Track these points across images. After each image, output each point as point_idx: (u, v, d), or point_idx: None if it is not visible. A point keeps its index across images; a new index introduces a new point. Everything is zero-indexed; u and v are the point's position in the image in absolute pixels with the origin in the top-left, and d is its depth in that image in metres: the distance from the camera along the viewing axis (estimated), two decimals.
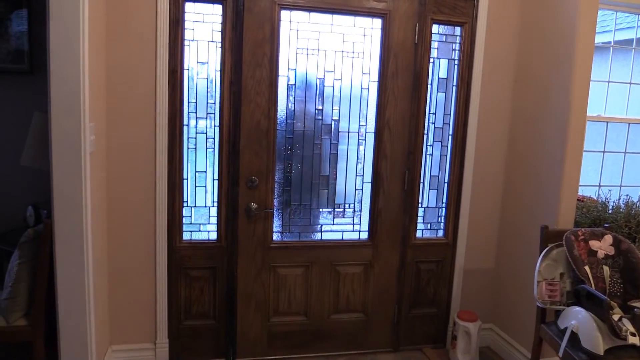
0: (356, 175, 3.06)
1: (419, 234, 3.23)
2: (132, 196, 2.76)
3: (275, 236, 2.99)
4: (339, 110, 2.97)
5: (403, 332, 3.27)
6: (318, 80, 2.92)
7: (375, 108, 3.00)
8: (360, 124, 3.01)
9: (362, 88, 2.99)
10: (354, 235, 3.11)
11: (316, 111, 2.94)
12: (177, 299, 2.92)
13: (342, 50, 2.92)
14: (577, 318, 2.34)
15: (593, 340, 2.24)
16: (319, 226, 3.06)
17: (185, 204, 2.87)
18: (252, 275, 2.96)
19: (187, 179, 2.86)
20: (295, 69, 2.87)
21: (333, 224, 3.07)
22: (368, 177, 3.07)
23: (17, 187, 3.07)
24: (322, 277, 3.07)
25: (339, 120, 2.98)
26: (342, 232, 3.09)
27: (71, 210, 2.19)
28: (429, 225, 3.27)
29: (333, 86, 2.94)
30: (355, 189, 3.08)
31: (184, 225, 2.89)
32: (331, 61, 2.91)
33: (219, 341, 3.00)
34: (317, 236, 3.06)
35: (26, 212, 2.84)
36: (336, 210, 3.07)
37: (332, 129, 2.98)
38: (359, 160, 3.05)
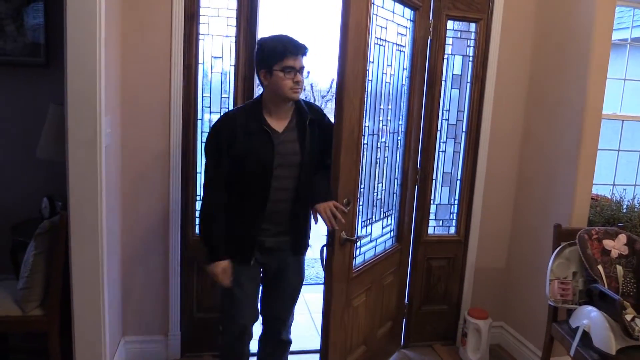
0: None
1: (430, 230, 3.22)
2: (145, 189, 2.78)
3: None
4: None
5: (413, 329, 3.27)
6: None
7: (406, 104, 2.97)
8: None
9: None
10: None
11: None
12: (189, 292, 2.94)
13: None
14: (589, 317, 2.33)
15: (605, 340, 2.23)
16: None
17: (198, 198, 2.89)
18: None
19: (200, 172, 2.87)
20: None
21: None
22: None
23: (32, 179, 3.10)
24: (383, 299, 3.06)
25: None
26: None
27: (86, 202, 2.21)
28: (440, 222, 3.26)
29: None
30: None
31: (197, 219, 2.90)
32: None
33: None
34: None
35: (41, 203, 2.87)
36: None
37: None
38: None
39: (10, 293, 2.45)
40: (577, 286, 2.50)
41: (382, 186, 2.79)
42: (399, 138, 2.92)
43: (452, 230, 3.28)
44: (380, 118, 2.69)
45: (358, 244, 2.48)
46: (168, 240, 2.84)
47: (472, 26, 3.09)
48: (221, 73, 2.81)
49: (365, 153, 2.47)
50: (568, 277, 2.52)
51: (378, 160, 2.70)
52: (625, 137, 4.44)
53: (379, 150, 2.69)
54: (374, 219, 2.74)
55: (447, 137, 3.17)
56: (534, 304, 3.02)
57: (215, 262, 2.16)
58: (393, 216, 2.98)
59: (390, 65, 2.68)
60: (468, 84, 3.13)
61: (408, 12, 2.79)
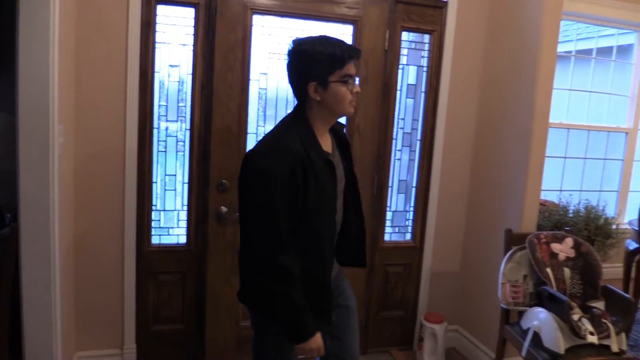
0: None
1: (387, 237, 3.28)
2: (100, 200, 2.72)
3: None
4: None
5: (371, 335, 3.31)
6: (289, 84, 2.93)
7: None
8: None
9: None
10: None
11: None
12: (145, 304, 2.89)
13: None
14: (539, 318, 2.43)
15: (554, 340, 2.33)
16: None
17: (154, 208, 2.85)
18: (222, 279, 2.95)
19: (156, 182, 2.84)
20: (267, 73, 2.88)
21: None
22: None
23: None
24: None
25: None
26: None
27: (38, 214, 2.15)
28: (397, 228, 3.33)
29: None
30: None
31: (152, 229, 2.86)
32: None
33: (187, 346, 2.99)
34: None
35: None
36: None
37: None
38: None
39: None
40: (527, 289, 2.60)
41: None
42: None
43: (408, 236, 3.34)
44: None
45: None
46: (123, 251, 2.78)
47: (426, 37, 3.17)
48: (178, 82, 2.79)
49: None
50: (519, 280, 2.61)
51: None
52: (571, 145, 4.64)
53: None
54: None
55: (402, 145, 3.24)
56: (487, 307, 3.11)
57: (310, 338, 1.71)
58: None
59: None
60: (422, 94, 3.21)
61: (348, 27, 2.94)
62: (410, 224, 3.33)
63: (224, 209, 2.87)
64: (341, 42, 1.73)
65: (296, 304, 1.67)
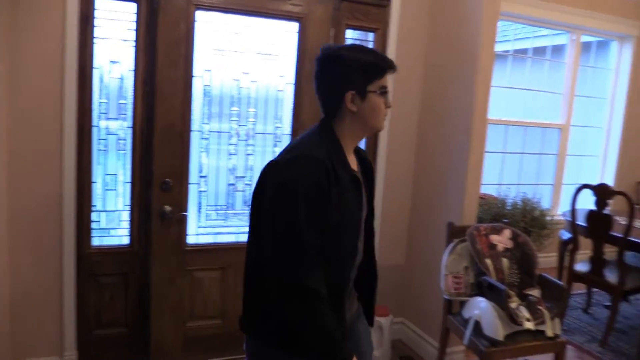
0: None
1: None
2: (36, 201, 2.61)
3: (190, 239, 2.94)
4: (256, 111, 2.99)
5: None
6: (234, 81, 2.91)
7: (292, 110, 3.04)
8: (276, 125, 3.05)
9: (278, 90, 3.02)
10: None
11: (232, 112, 2.94)
12: (86, 308, 2.80)
13: (258, 52, 2.93)
14: (480, 307, 2.52)
15: (493, 328, 2.42)
16: (235, 228, 3.05)
17: (94, 208, 2.76)
18: (166, 279, 2.89)
19: (96, 182, 2.75)
20: (211, 70, 2.85)
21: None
22: None
23: None
24: (239, 279, 3.05)
25: (255, 122, 2.99)
26: None
27: None
28: None
29: (249, 87, 2.95)
30: None
31: (93, 230, 2.78)
32: (248, 63, 2.92)
33: (132, 350, 2.91)
34: (233, 238, 3.05)
35: None
36: None
37: (248, 131, 2.99)
38: None
39: None
40: (468, 279, 2.69)
41: (244, 181, 3.03)
42: (279, 140, 3.07)
43: None
44: (235, 119, 2.96)
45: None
46: (62, 253, 2.68)
47: (370, 35, 3.22)
48: (120, 78, 2.71)
49: (210, 148, 2.92)
50: (460, 271, 2.69)
51: (231, 156, 2.98)
52: (509, 141, 4.83)
53: (235, 147, 2.98)
54: (233, 209, 3.04)
55: None
56: (431, 298, 3.19)
57: None
58: None
59: (248, 73, 2.93)
60: None
61: (293, 24, 2.97)
62: None
63: (168, 208, 2.81)
64: (377, 51, 1.63)
65: (329, 330, 1.46)
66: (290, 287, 1.45)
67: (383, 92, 1.58)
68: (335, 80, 1.58)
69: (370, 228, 1.77)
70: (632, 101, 5.43)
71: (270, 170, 1.55)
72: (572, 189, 3.96)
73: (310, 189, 1.45)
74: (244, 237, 3.05)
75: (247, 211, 3.02)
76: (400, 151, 3.35)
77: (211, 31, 2.82)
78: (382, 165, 3.29)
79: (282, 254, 1.47)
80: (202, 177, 2.92)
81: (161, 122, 2.75)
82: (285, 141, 3.06)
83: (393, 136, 3.30)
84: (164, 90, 2.74)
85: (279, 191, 1.47)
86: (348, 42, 3.14)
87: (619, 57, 5.43)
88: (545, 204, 4.54)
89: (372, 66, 1.55)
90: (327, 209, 1.48)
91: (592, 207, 3.73)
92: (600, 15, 5.00)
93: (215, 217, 3.00)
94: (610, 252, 3.77)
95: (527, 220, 3.24)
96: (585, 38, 5.33)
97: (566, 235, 4.08)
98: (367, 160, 1.75)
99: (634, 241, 3.55)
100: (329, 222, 1.49)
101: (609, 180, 5.41)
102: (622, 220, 3.62)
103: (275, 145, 3.05)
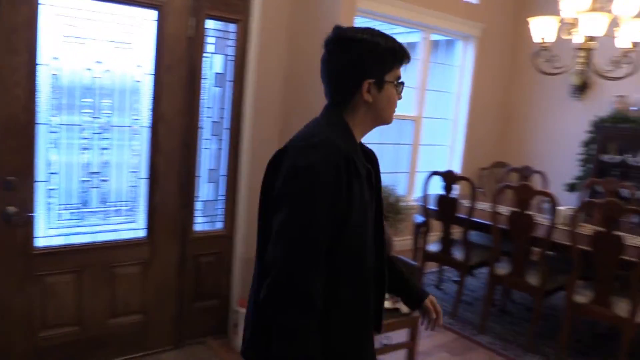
0: (130, 172, 2.95)
1: (198, 227, 3.25)
2: None
3: (40, 242, 2.70)
4: (111, 103, 2.81)
5: (186, 327, 3.27)
6: (87, 71, 2.71)
7: (151, 102, 2.92)
8: (134, 118, 2.90)
9: (135, 80, 2.87)
10: (130, 234, 3.00)
11: (84, 104, 2.74)
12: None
13: (113, 40, 2.76)
14: None
15: None
16: (91, 227, 2.87)
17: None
18: (13, 287, 2.63)
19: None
20: (59, 58, 2.62)
21: (106, 224, 2.91)
22: (143, 172, 2.97)
23: None
24: (96, 281, 2.89)
25: (111, 114, 2.82)
26: (118, 231, 2.95)
27: None
28: (209, 218, 3.32)
29: (103, 77, 2.77)
30: (130, 186, 2.96)
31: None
32: (101, 51, 2.73)
33: None
34: (89, 238, 2.86)
35: None
36: (109, 209, 2.91)
37: (103, 123, 2.81)
38: (133, 156, 2.94)
39: None
40: None
41: (99, 177, 2.85)
42: (137, 133, 2.94)
43: (219, 225, 3.35)
44: (89, 111, 2.77)
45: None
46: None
47: (232, 27, 3.18)
48: None
49: (61, 143, 2.70)
50: None
51: (85, 151, 2.79)
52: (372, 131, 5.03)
53: (89, 141, 2.79)
54: (88, 207, 2.85)
55: (211, 134, 3.22)
56: None
57: None
58: (139, 210, 3.01)
59: (101, 62, 2.76)
60: (230, 83, 3.22)
61: (152, 12, 2.84)
62: (222, 213, 3.35)
63: (12, 209, 2.55)
64: (394, 37, 1.44)
65: (314, 346, 1.29)
66: (294, 290, 1.27)
67: (399, 83, 1.45)
68: (350, 66, 1.41)
69: (381, 228, 1.57)
70: (475, 95, 6.00)
71: (281, 157, 1.40)
72: (425, 176, 4.29)
73: (328, 177, 1.29)
74: (101, 237, 2.90)
75: (104, 209, 2.87)
76: (264, 142, 3.32)
77: (59, 16, 2.58)
78: (246, 155, 3.28)
79: (293, 251, 1.28)
80: (51, 174, 2.69)
81: (2, 115, 2.48)
82: (144, 134, 2.93)
83: (257, 127, 3.29)
84: (5, 79, 2.47)
85: (294, 178, 1.32)
86: (210, 33, 3.08)
87: (464, 55, 5.96)
88: (401, 190, 4.86)
89: (392, 53, 1.41)
90: (345, 202, 1.31)
91: (441, 192, 4.09)
92: (447, 16, 5.44)
93: (69, 216, 2.78)
94: (457, 232, 4.16)
95: (384, 206, 3.44)
96: (435, 37, 5.76)
97: (420, 218, 4.42)
98: (372, 154, 1.58)
99: (477, 221, 3.96)
100: (348, 218, 1.32)
101: (457, 167, 5.96)
102: (466, 202, 4.01)
103: (132, 139, 2.91)
